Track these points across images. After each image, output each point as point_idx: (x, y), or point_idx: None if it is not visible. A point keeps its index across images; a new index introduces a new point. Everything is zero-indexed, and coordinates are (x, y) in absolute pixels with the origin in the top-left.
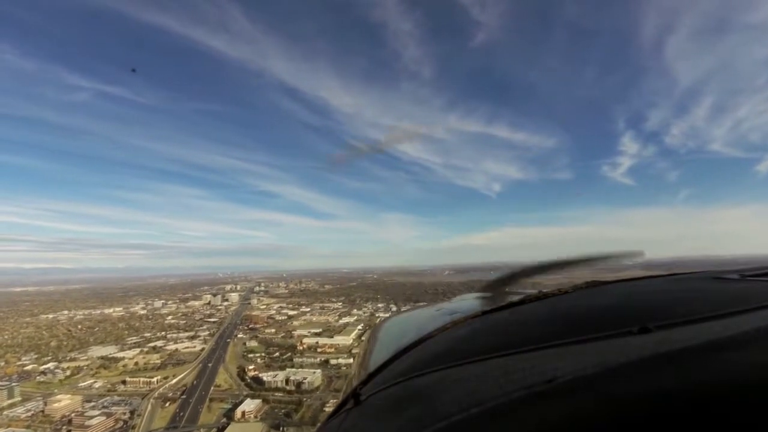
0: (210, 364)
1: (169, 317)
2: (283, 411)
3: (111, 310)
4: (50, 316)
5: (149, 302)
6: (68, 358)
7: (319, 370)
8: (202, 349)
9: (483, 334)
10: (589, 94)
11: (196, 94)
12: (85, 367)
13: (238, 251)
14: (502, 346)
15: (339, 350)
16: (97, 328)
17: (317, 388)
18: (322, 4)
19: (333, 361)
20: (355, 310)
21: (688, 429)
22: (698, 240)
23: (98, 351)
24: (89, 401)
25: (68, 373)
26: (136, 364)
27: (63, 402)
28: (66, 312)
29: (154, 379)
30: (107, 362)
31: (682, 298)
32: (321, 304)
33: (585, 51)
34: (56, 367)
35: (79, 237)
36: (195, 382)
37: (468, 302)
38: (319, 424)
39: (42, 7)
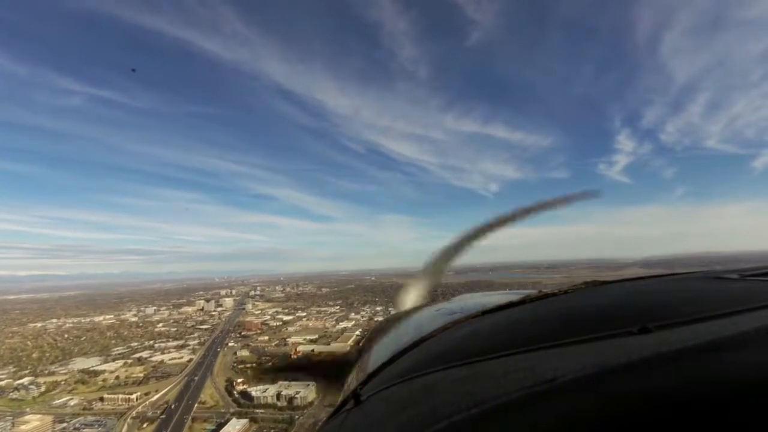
0: (196, 378)
1: (160, 324)
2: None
3: (101, 318)
4: (39, 324)
5: (141, 309)
6: (47, 371)
7: (312, 383)
8: (190, 360)
9: (483, 334)
10: (586, 93)
11: (191, 98)
12: (62, 382)
13: (235, 255)
14: (502, 346)
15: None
16: (84, 338)
17: (311, 403)
18: (316, 5)
19: None
20: (353, 314)
21: (688, 429)
22: (697, 237)
23: (80, 363)
24: (61, 421)
25: (43, 389)
26: (117, 378)
27: (32, 423)
28: (55, 320)
29: (134, 396)
30: (87, 376)
31: (682, 298)
32: (318, 308)
33: (581, 49)
34: (32, 382)
35: (75, 243)
36: (175, 404)
37: (468, 302)
38: (319, 424)
39: (32, 11)
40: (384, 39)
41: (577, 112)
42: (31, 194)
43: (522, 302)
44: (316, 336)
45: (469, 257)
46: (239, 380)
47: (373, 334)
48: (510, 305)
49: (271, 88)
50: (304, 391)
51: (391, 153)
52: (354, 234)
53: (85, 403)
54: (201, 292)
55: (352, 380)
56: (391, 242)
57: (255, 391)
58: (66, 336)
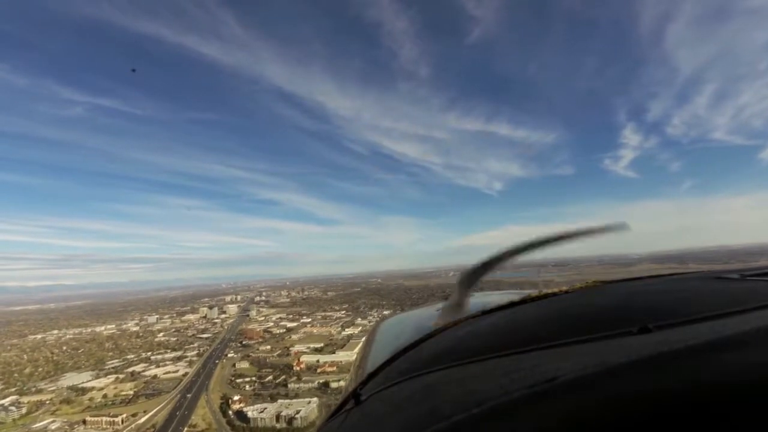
0: (189, 395)
1: (161, 334)
2: None
3: (103, 328)
4: (39, 336)
5: (144, 318)
6: (34, 389)
7: (315, 399)
8: (186, 374)
9: (483, 334)
10: (589, 87)
11: (191, 104)
12: (47, 401)
13: (240, 261)
14: (502, 346)
15: (341, 369)
16: (81, 350)
17: (312, 423)
18: (314, 6)
19: (334, 384)
20: (360, 319)
21: (688, 429)
22: (706, 230)
23: (71, 379)
24: None
25: (24, 410)
26: (105, 396)
27: None
28: (56, 332)
29: (119, 418)
30: (74, 394)
31: (682, 298)
32: (323, 313)
33: (583, 43)
34: (14, 402)
35: (82, 253)
36: (161, 426)
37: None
38: (319, 424)
39: (28, 21)
40: (384, 38)
41: (581, 107)
42: (36, 205)
43: (522, 302)
44: (321, 344)
45: (473, 256)
46: (236, 398)
47: (373, 334)
48: (510, 305)
49: (272, 91)
50: (305, 410)
51: (394, 154)
52: (359, 236)
53: (66, 427)
54: (206, 299)
55: (352, 380)
56: (396, 244)
57: (252, 411)
58: (64, 348)
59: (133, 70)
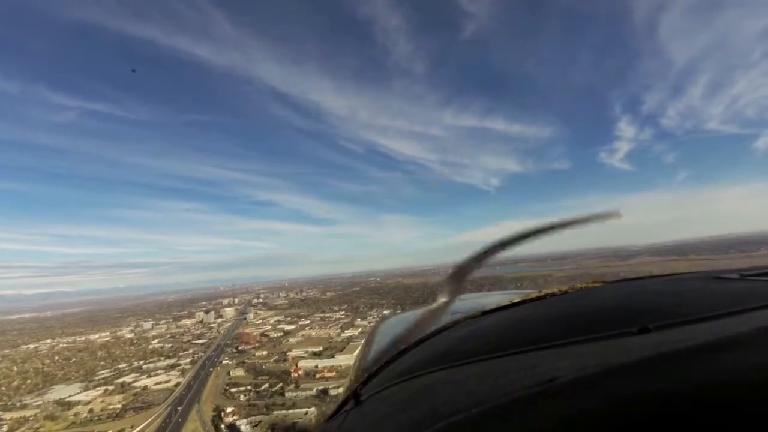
0: (180, 407)
1: (155, 341)
2: None
3: (97, 336)
4: (31, 346)
5: (139, 324)
6: (19, 404)
7: (312, 409)
8: (178, 384)
9: (483, 334)
10: (584, 81)
11: (186, 106)
12: (31, 418)
13: (239, 263)
14: (502, 346)
15: (341, 374)
16: (73, 359)
17: None
18: (307, 4)
19: (333, 391)
20: (359, 320)
21: (688, 429)
22: (703, 221)
23: (59, 392)
24: None
25: (5, 429)
26: (91, 410)
27: None
28: (50, 340)
29: None
30: (60, 408)
31: (682, 298)
32: (322, 315)
33: (578, 37)
34: None
35: (79, 260)
36: None
37: (468, 302)
38: (319, 424)
39: (19, 26)
40: (378, 35)
41: (576, 101)
42: (31, 212)
43: (522, 302)
44: (320, 348)
45: (471, 253)
46: (229, 409)
47: (372, 335)
48: (510, 305)
49: (266, 91)
50: (302, 421)
51: (390, 152)
52: (357, 236)
53: None
54: (204, 303)
55: (352, 380)
56: (395, 242)
57: (245, 425)
58: (56, 358)
59: (134, 71)
